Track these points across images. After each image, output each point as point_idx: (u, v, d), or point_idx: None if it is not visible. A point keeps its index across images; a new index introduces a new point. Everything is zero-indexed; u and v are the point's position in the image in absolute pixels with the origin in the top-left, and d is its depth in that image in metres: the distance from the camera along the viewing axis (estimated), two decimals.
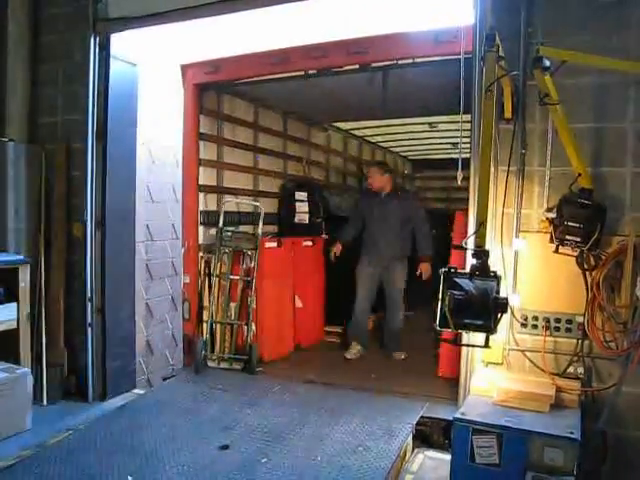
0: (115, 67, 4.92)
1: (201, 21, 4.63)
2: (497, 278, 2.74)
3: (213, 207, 5.97)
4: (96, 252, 4.92)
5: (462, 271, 2.81)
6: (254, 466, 3.50)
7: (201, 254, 5.67)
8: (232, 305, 5.61)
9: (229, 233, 5.56)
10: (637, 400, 3.38)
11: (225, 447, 3.73)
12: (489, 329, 2.72)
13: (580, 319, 3.50)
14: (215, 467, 3.49)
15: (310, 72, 5.18)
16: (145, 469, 3.46)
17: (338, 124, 8.74)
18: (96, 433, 4.02)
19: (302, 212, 7.04)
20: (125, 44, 4.96)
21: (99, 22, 4.84)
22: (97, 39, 4.85)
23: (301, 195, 7.08)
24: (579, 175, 3.30)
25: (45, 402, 4.73)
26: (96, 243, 4.92)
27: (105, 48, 4.87)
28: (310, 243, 6.47)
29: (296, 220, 6.98)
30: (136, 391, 5.16)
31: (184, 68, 5.53)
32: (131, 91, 5.14)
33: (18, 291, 4.57)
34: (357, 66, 5.01)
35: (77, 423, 4.29)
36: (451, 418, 3.27)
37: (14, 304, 4.53)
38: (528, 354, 3.70)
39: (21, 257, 4.69)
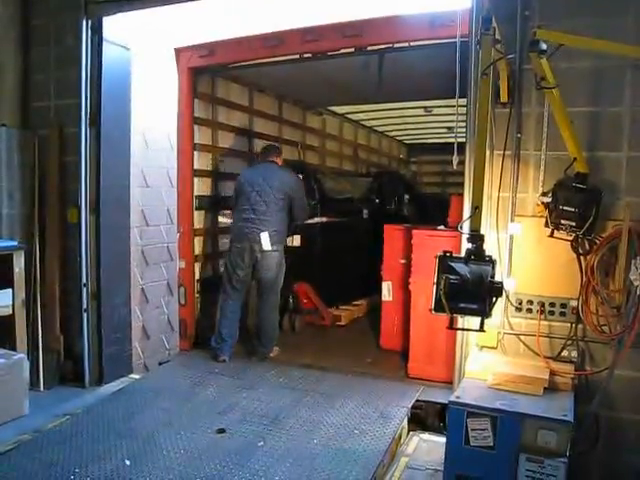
0: (108, 51, 4.86)
1: (193, 4, 4.56)
2: (492, 262, 2.75)
3: (208, 192, 5.96)
4: (91, 237, 4.91)
5: (457, 255, 2.82)
6: (251, 450, 3.53)
7: None
8: None
9: None
10: (629, 383, 3.41)
11: (222, 431, 3.76)
12: (484, 313, 2.73)
13: (574, 303, 3.52)
14: (212, 451, 3.52)
15: (305, 55, 5.13)
16: (143, 453, 3.48)
17: (333, 108, 8.70)
18: (93, 418, 4.04)
19: None
20: (118, 27, 4.89)
21: (91, 5, 4.77)
22: (89, 22, 4.78)
23: None
24: (575, 159, 3.29)
25: (42, 388, 4.74)
26: (91, 228, 4.91)
27: (97, 31, 4.81)
28: None
29: None
30: (133, 376, 5.17)
31: (178, 52, 5.47)
32: (124, 75, 5.09)
33: (13, 277, 4.56)
34: (352, 49, 4.97)
35: (74, 408, 4.31)
36: (446, 401, 3.29)
37: (9, 290, 4.52)
38: (522, 338, 3.72)
39: (15, 243, 4.68)
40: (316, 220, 6.74)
